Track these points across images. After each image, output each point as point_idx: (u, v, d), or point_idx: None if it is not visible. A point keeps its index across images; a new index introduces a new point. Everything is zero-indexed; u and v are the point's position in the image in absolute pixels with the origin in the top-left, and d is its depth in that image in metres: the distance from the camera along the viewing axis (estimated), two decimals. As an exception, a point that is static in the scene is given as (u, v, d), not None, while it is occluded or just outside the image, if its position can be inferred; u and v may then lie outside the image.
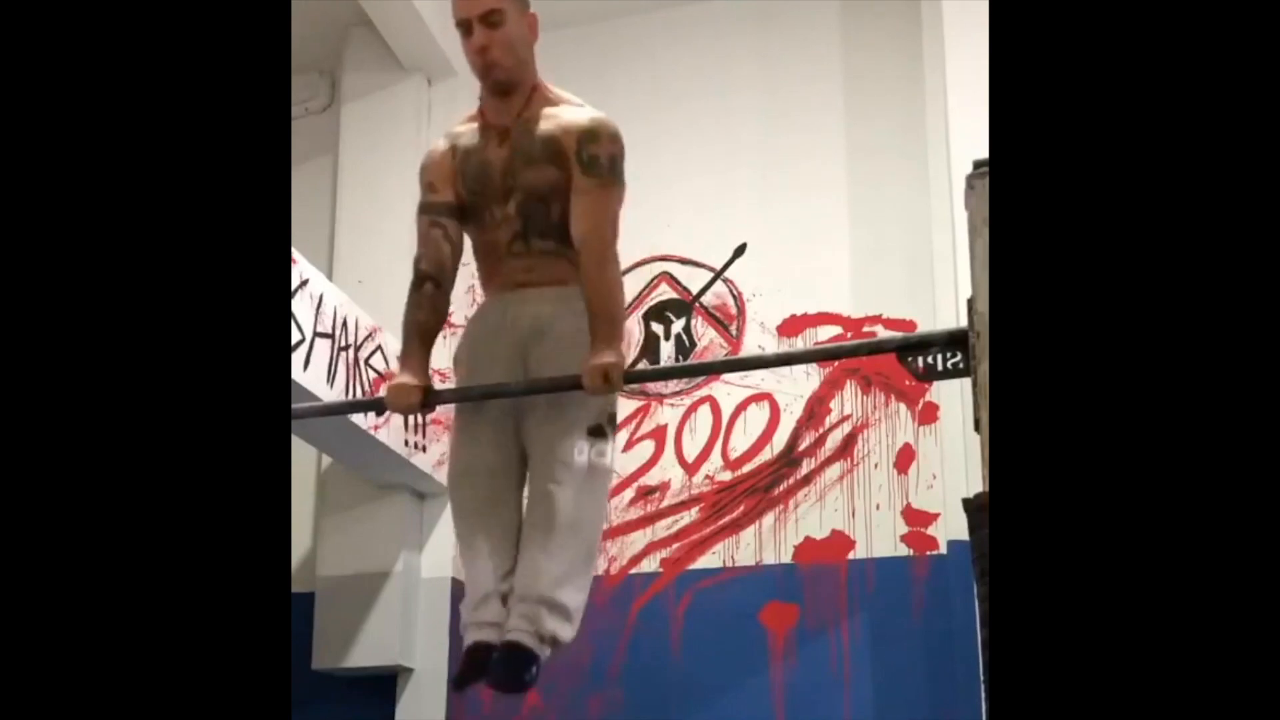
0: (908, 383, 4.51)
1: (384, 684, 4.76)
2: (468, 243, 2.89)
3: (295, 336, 3.93)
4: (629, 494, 4.80)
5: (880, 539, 4.53)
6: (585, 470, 2.60)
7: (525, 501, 2.69)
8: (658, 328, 5.05)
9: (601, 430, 2.65)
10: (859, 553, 4.53)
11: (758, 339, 4.89)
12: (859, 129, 5.00)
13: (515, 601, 2.55)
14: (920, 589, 4.41)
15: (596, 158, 2.69)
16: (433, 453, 4.75)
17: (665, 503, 4.77)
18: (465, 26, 2.71)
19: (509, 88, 2.75)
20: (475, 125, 2.84)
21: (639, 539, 4.73)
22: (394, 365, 4.63)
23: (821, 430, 4.70)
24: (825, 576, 4.53)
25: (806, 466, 4.68)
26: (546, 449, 2.63)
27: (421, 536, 4.84)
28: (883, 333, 4.64)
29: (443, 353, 5.04)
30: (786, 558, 4.60)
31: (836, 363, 4.66)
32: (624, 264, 5.14)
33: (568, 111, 2.76)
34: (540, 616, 2.52)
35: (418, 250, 2.86)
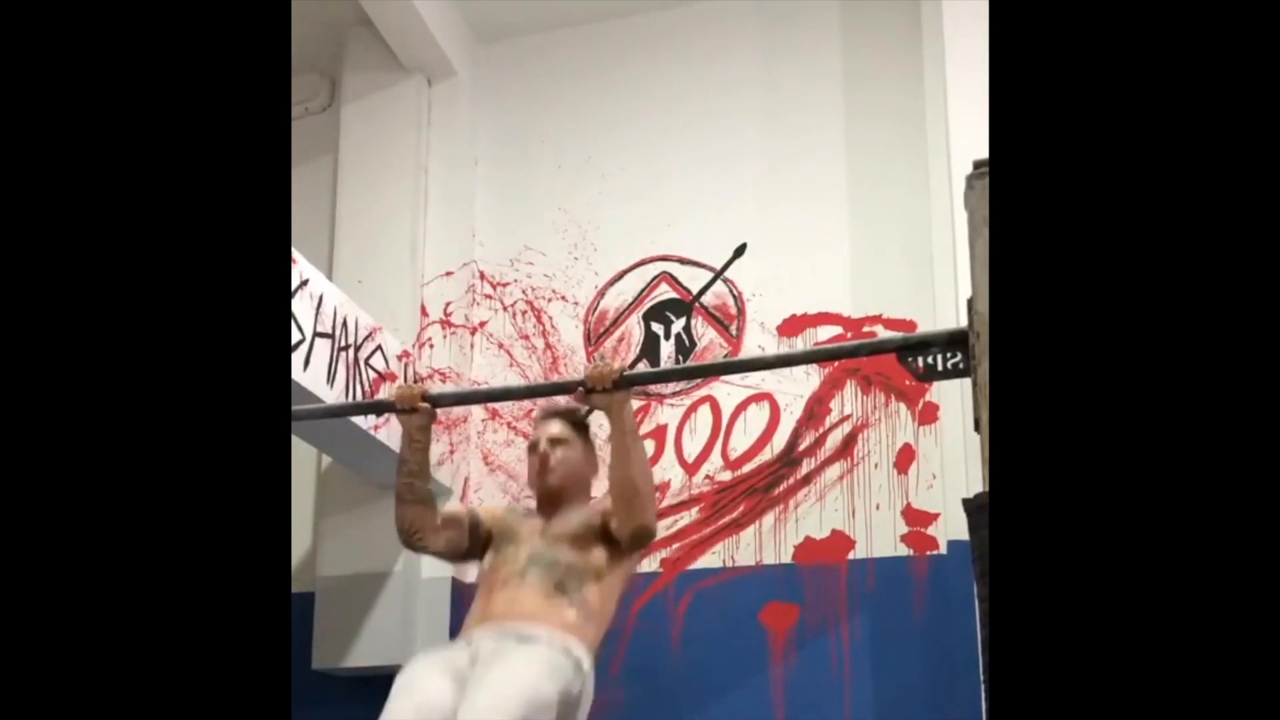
0: (908, 383, 4.50)
1: (384, 684, 4.72)
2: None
3: (295, 336, 3.93)
4: (629, 494, 4.79)
5: (880, 539, 4.52)
6: None
7: None
8: (658, 328, 5.04)
9: None
10: (859, 553, 4.53)
11: (758, 339, 4.89)
12: (859, 129, 4.99)
13: None
14: (920, 589, 4.41)
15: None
16: (432, 453, 4.75)
17: (665, 503, 4.76)
18: (534, 445, 3.04)
19: (557, 495, 2.98)
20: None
21: (639, 539, 4.73)
22: (394, 365, 4.64)
23: (821, 430, 4.70)
24: (825, 576, 4.53)
25: (806, 466, 4.68)
26: None
27: (421, 536, 4.84)
28: (883, 333, 4.64)
29: (443, 352, 5.07)
30: (786, 558, 4.59)
31: (836, 363, 4.66)
32: (624, 264, 5.20)
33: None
34: None
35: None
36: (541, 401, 3.14)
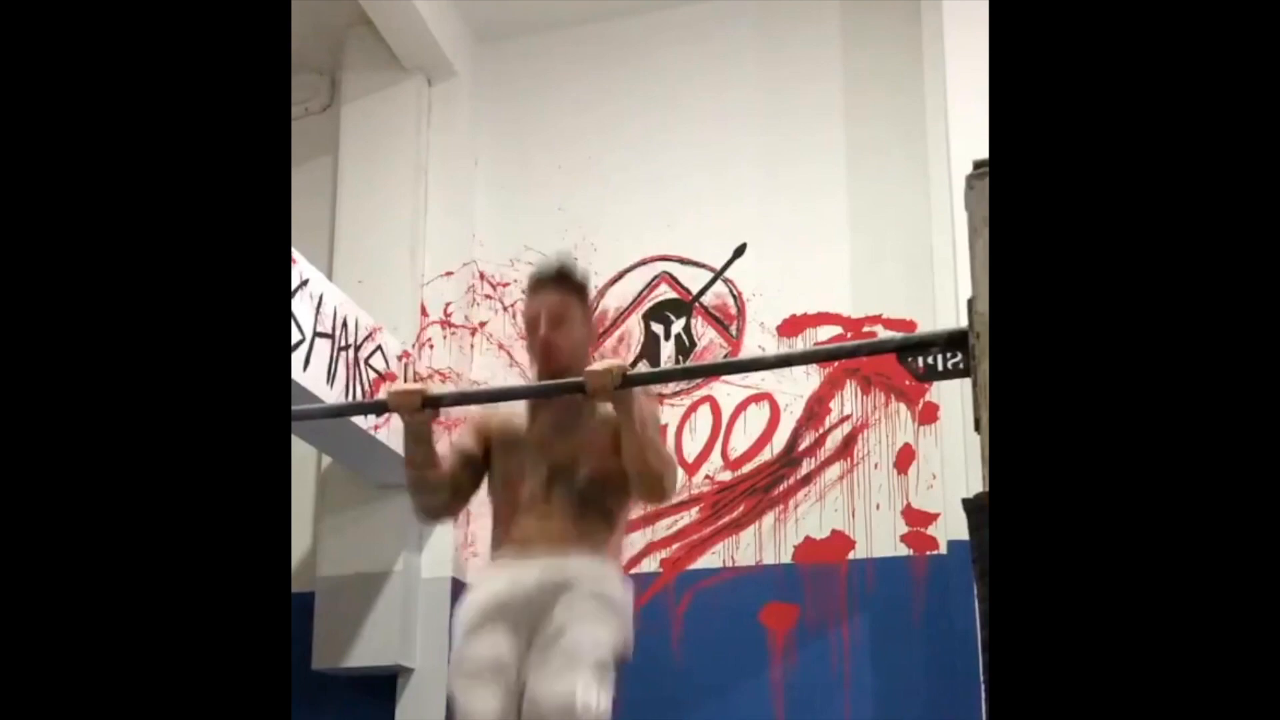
0: (908, 383, 4.50)
1: (384, 684, 4.76)
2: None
3: (295, 336, 3.93)
4: (629, 494, 4.79)
5: (880, 539, 4.52)
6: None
7: None
8: (658, 328, 5.05)
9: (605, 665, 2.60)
10: (859, 553, 4.53)
11: (758, 339, 4.89)
12: (859, 129, 5.00)
13: None
14: (920, 589, 4.41)
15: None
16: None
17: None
18: (532, 322, 2.85)
19: (561, 373, 2.82)
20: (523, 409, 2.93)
21: (639, 539, 4.73)
22: (394, 365, 4.64)
23: (821, 430, 4.70)
24: (825, 576, 4.53)
25: (806, 466, 4.68)
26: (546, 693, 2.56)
27: (421, 536, 4.84)
28: (883, 333, 4.64)
29: (443, 352, 5.08)
30: (786, 558, 4.60)
31: (836, 363, 4.66)
32: (624, 264, 5.20)
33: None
34: None
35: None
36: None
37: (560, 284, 2.85)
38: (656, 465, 2.72)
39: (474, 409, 3.04)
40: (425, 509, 2.92)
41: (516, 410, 2.91)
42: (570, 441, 2.78)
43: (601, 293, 5.12)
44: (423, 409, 2.79)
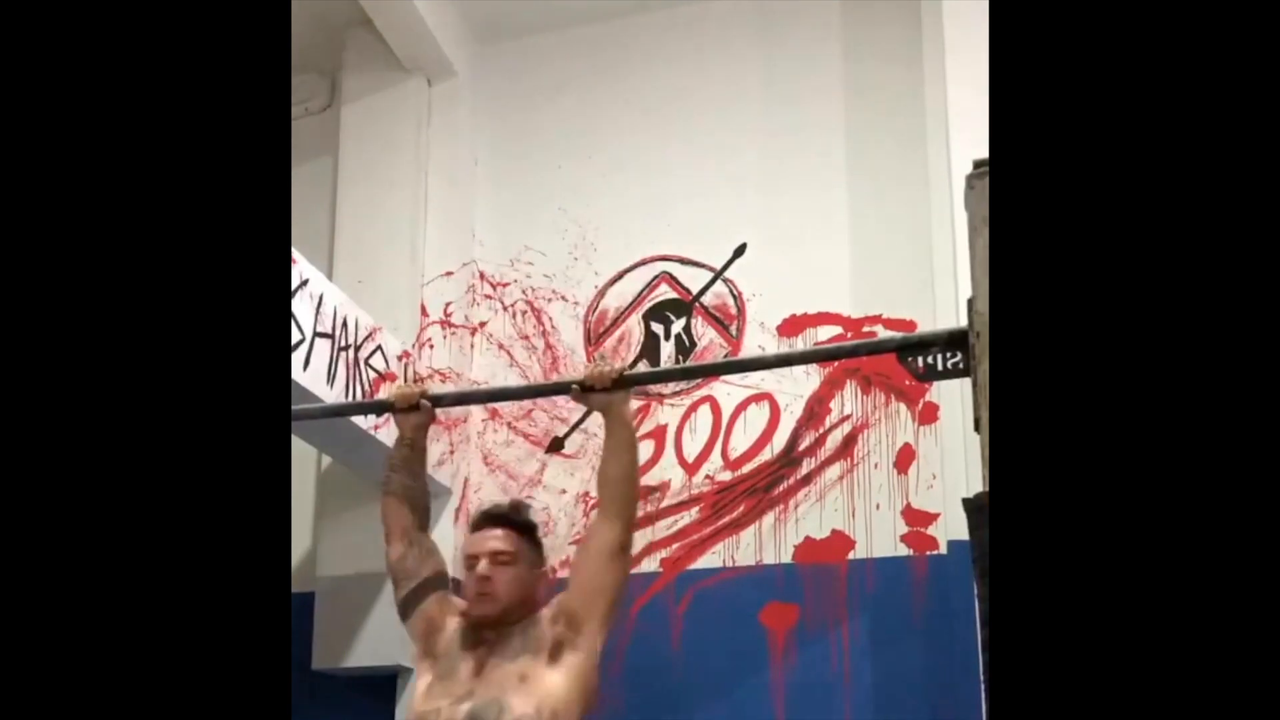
0: (908, 383, 4.50)
1: (384, 684, 4.76)
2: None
3: (295, 336, 3.93)
4: (629, 494, 4.79)
5: (880, 539, 4.52)
6: None
7: None
8: (658, 328, 5.04)
9: None
10: (859, 553, 4.53)
11: (758, 339, 4.89)
12: (859, 129, 4.99)
13: None
14: (920, 589, 4.41)
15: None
16: (432, 453, 4.75)
17: (665, 503, 4.76)
18: (472, 561, 2.69)
19: (494, 622, 2.66)
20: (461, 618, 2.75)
21: (639, 539, 4.72)
22: (394, 365, 4.64)
23: (821, 430, 4.70)
24: (825, 576, 4.53)
25: (806, 466, 4.68)
26: None
27: (421, 536, 4.83)
28: (883, 333, 4.64)
29: (443, 352, 5.08)
30: (786, 558, 4.59)
31: (836, 363, 4.66)
32: (624, 264, 5.20)
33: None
34: None
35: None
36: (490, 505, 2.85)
37: (508, 523, 2.74)
38: (635, 482, 2.71)
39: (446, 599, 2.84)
40: (381, 511, 2.85)
41: (456, 628, 2.71)
42: (500, 674, 2.59)
43: (601, 293, 5.12)
44: (419, 407, 2.84)
